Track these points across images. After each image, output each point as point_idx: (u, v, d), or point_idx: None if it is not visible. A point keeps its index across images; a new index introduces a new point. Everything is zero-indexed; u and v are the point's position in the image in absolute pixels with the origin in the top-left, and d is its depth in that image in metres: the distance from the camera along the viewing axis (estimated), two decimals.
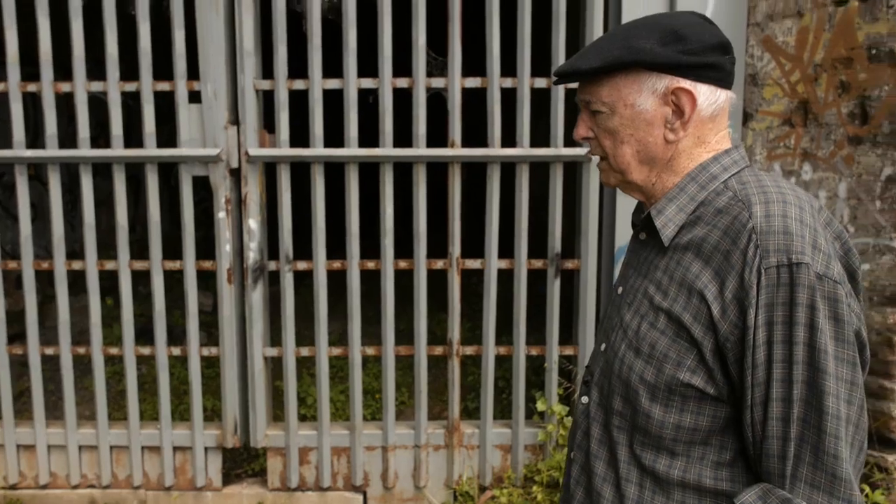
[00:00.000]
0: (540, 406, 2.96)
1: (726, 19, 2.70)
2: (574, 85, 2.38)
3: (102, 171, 2.84)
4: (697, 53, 0.97)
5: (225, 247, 2.85)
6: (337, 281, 3.31)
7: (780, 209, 0.93)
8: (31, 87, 2.79)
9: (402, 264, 2.90)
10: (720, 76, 1.00)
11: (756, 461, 0.94)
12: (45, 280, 3.86)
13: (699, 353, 0.95)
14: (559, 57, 2.73)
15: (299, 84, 2.78)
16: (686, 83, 0.99)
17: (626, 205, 2.82)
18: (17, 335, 3.59)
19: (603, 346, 1.12)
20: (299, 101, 2.87)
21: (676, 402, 0.97)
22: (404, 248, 3.08)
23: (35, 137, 4.56)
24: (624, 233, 2.85)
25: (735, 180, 1.00)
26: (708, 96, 1.00)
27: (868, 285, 2.37)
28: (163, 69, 2.88)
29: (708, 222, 0.98)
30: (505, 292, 3.10)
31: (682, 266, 0.99)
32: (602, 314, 1.31)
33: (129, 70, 2.82)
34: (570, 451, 1.16)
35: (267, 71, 2.89)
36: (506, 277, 2.98)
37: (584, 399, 1.14)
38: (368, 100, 2.95)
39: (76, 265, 2.89)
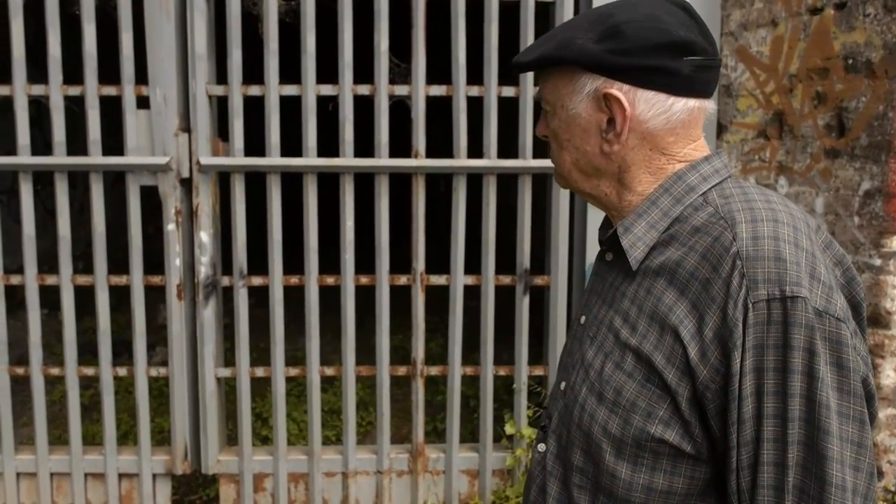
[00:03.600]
0: (508, 429, 2.82)
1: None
2: None
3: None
4: (630, 54, 0.82)
5: (175, 261, 2.69)
6: (299, 297, 3.16)
7: (770, 230, 0.78)
8: None
9: (364, 280, 2.76)
10: (671, 82, 0.83)
11: None
12: None
13: (673, 402, 0.79)
14: None
15: (255, 90, 2.64)
16: (617, 88, 0.84)
17: (597, 219, 2.71)
18: None
19: (563, 386, 0.95)
20: (255, 108, 2.72)
21: (647, 460, 0.82)
22: (366, 262, 2.94)
23: None
24: (595, 248, 2.73)
25: (716, 193, 0.85)
26: (653, 105, 0.84)
27: None
28: (109, 73, 2.72)
29: (684, 243, 0.83)
30: (475, 308, 2.97)
31: (652, 295, 0.83)
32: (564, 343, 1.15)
33: (74, 73, 2.66)
34: None
35: (221, 76, 2.75)
36: (476, 293, 2.85)
37: (541, 447, 0.97)
38: (328, 107, 2.80)
39: (14, 279, 2.71)
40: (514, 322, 2.80)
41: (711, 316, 0.77)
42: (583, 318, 0.98)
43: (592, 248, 2.74)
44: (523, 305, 2.77)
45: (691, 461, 0.81)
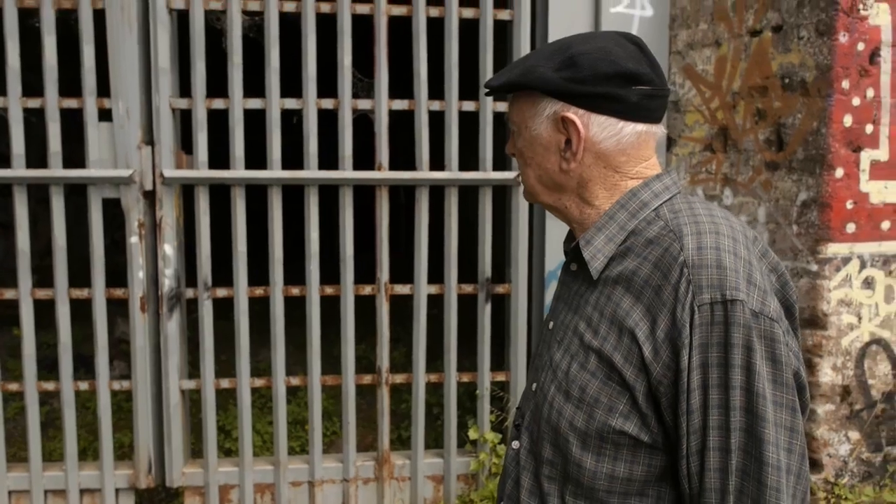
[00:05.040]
0: (472, 434, 2.89)
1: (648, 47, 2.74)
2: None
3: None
4: (585, 82, 0.92)
5: (138, 273, 2.69)
6: (262, 309, 3.17)
7: (712, 241, 0.88)
8: None
9: (329, 290, 2.80)
10: (621, 108, 0.93)
11: None
12: None
13: (631, 397, 0.89)
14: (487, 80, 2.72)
15: (219, 103, 2.67)
16: (574, 112, 0.93)
17: (555, 229, 2.81)
18: None
19: (534, 387, 1.04)
20: (219, 122, 2.74)
21: (609, 451, 0.91)
22: (331, 273, 2.98)
23: None
24: (554, 257, 2.84)
25: (667, 208, 0.95)
26: (605, 128, 0.94)
27: None
28: (71, 85, 2.71)
29: (638, 254, 0.92)
30: (438, 316, 3.04)
31: (612, 301, 0.93)
32: (534, 348, 1.24)
33: (34, 85, 2.64)
34: (500, 501, 1.08)
35: (184, 89, 2.76)
36: (439, 302, 2.92)
37: (515, 444, 1.05)
38: (292, 120, 2.84)
39: None
40: (476, 330, 2.88)
41: (663, 318, 0.87)
42: (551, 324, 1.07)
43: (551, 258, 2.85)
44: (485, 313, 2.85)
45: (649, 450, 0.90)
